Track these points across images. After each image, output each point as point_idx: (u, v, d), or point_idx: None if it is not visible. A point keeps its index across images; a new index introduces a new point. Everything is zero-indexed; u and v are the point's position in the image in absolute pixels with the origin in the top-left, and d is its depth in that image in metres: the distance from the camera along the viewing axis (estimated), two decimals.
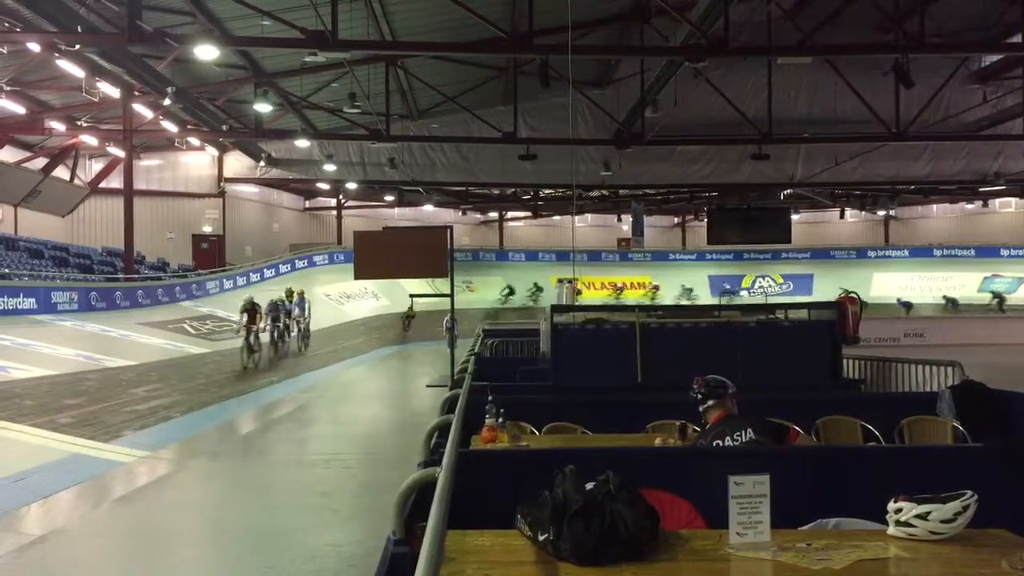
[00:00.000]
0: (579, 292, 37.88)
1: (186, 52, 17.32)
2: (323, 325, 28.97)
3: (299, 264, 35.25)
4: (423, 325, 29.00)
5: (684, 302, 36.27)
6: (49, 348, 16.57)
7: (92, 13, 16.74)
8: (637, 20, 20.88)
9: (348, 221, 39.10)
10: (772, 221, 34.22)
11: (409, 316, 30.41)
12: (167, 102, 20.53)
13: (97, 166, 29.94)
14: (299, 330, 22.78)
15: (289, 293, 22.87)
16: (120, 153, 26.61)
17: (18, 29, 16.57)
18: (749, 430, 3.97)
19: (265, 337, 19.77)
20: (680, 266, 41.44)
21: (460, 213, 41.44)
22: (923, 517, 2.44)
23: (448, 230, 12.23)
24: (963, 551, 2.39)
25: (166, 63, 19.44)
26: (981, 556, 2.36)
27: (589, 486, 2.48)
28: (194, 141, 30.26)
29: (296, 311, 22.70)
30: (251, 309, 18.62)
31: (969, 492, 2.48)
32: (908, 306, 36.12)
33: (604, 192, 34.60)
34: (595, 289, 38.71)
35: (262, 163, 30.10)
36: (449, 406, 4.85)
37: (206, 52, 16.64)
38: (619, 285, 39.76)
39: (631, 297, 38.16)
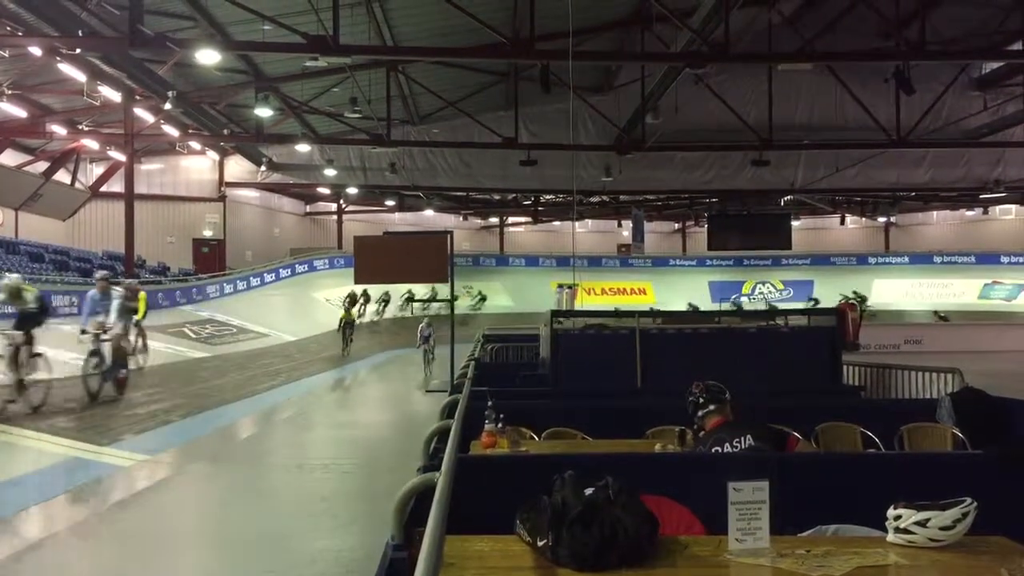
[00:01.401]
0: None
1: (187, 56, 17.34)
2: (328, 330, 29.01)
3: (299, 268, 35.26)
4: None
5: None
6: (49, 351, 16.49)
7: (93, 17, 16.78)
8: (638, 26, 20.92)
9: (349, 226, 39.11)
10: (772, 227, 34.26)
11: (348, 323, 24.72)
12: (168, 106, 20.59)
13: (98, 170, 29.96)
14: (100, 359, 12.39)
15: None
16: (121, 157, 26.62)
17: (20, 33, 16.61)
18: (748, 436, 3.96)
19: None
20: (680, 272, 41.45)
21: (461, 218, 41.45)
22: (922, 524, 2.44)
23: (448, 235, 12.23)
24: (962, 558, 2.39)
25: (167, 67, 19.47)
26: (980, 563, 2.36)
27: (588, 491, 2.48)
28: (195, 145, 30.36)
29: (96, 314, 12.60)
30: None
31: (968, 499, 2.48)
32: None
33: (605, 198, 34.64)
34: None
35: (263, 167, 30.12)
36: (448, 411, 4.86)
37: (207, 56, 16.69)
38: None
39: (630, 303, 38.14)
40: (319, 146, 28.09)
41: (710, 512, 2.77)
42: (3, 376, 11.00)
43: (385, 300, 33.46)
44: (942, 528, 2.44)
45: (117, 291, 13.45)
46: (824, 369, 9.42)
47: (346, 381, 19.82)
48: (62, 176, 28.18)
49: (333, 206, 39.83)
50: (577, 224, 39.74)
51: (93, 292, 13.10)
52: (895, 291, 38.63)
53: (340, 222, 39.98)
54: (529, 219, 42.68)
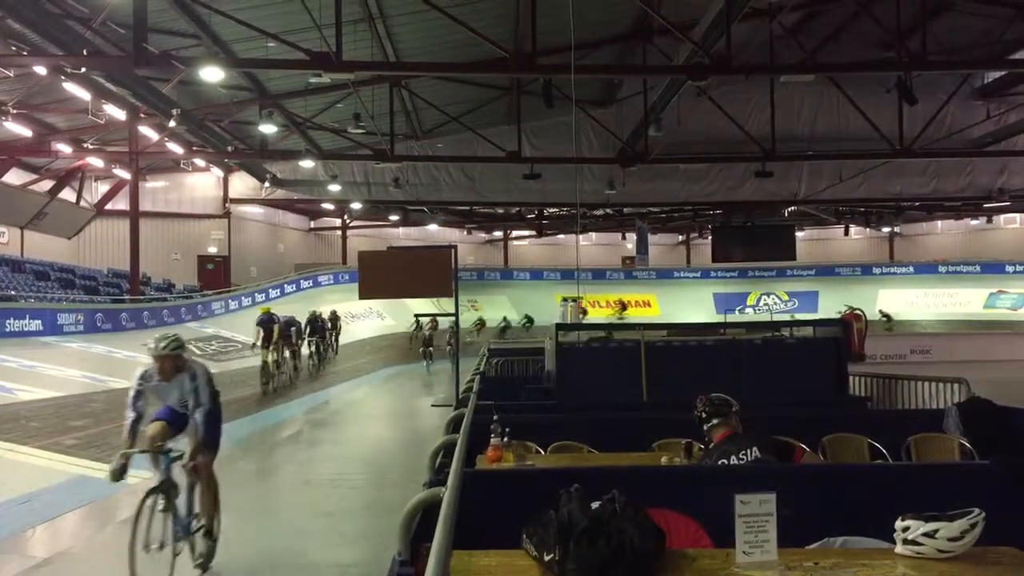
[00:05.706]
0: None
1: (191, 74, 17.40)
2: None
3: (304, 284, 35.27)
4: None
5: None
6: (55, 370, 16.56)
7: (98, 36, 16.87)
8: (640, 39, 21.00)
9: (353, 241, 39.21)
10: (776, 238, 34.24)
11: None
12: (173, 124, 20.65)
13: (103, 188, 30.06)
14: None
15: None
16: (126, 175, 26.73)
17: (25, 52, 16.70)
18: (755, 448, 3.96)
19: None
20: (685, 284, 41.42)
21: (465, 232, 41.50)
22: (931, 535, 2.43)
23: (452, 249, 12.25)
24: (971, 569, 2.38)
25: (171, 85, 19.54)
26: (989, 574, 2.35)
27: (595, 505, 2.48)
28: (199, 162, 30.44)
29: None
30: None
31: (976, 510, 2.47)
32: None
33: (608, 211, 34.65)
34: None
35: (267, 184, 30.19)
36: (454, 426, 4.85)
37: (211, 74, 16.72)
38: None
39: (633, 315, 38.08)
40: (323, 162, 28.16)
41: (717, 525, 2.76)
42: None
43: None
44: (950, 539, 2.43)
45: None
46: (830, 380, 9.39)
47: (356, 393, 19.81)
48: (67, 194, 28.27)
49: (337, 221, 39.92)
50: (581, 237, 39.76)
51: None
52: (900, 301, 38.55)
53: (344, 237, 40.05)
54: (533, 233, 42.73)
